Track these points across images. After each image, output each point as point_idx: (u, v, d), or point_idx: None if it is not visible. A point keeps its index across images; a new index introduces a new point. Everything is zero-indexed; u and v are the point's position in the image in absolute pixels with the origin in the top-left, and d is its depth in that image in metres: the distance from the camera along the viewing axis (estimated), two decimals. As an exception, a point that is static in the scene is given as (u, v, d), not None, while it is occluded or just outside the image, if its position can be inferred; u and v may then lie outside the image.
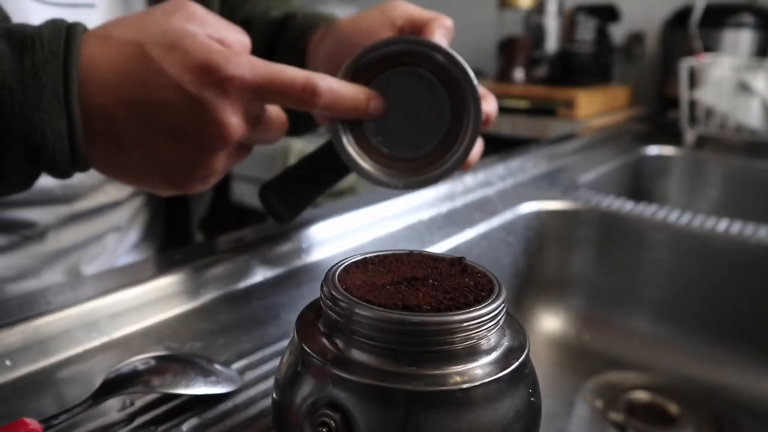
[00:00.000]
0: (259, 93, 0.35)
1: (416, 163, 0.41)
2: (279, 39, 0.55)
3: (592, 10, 1.49)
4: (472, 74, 0.38)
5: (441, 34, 0.42)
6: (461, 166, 0.40)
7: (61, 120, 0.33)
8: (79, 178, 0.52)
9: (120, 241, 0.61)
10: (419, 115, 0.40)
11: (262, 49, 0.55)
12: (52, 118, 0.33)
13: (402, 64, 0.40)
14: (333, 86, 0.37)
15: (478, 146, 0.45)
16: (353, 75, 0.40)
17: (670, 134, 1.13)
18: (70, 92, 0.33)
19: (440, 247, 0.55)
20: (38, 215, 0.53)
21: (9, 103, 0.32)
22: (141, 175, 0.38)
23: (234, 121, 0.35)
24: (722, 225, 0.60)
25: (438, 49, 0.39)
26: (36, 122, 0.33)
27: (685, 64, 1.06)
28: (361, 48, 0.39)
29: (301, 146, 1.65)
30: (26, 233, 0.53)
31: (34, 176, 0.37)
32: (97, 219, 0.58)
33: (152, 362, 0.31)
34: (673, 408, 0.55)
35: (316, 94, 0.36)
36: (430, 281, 0.24)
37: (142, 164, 0.37)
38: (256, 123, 0.37)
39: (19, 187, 0.37)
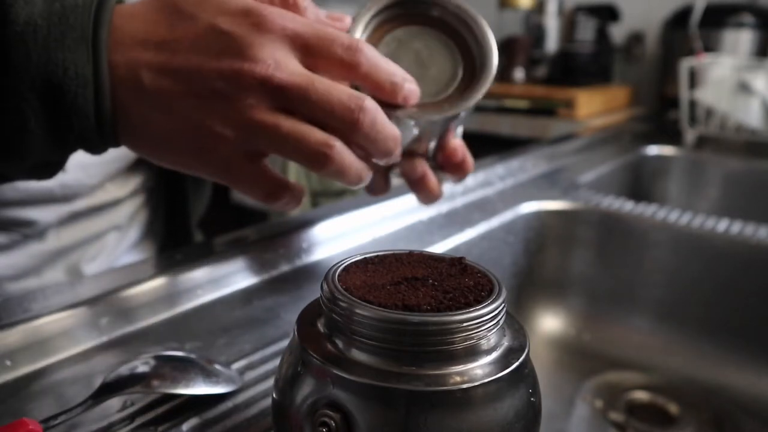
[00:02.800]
0: (302, 41, 0.32)
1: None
2: None
3: (592, 10, 1.49)
4: (490, 37, 0.38)
5: None
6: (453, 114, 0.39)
7: (87, 63, 0.31)
8: (78, 177, 0.53)
9: (120, 239, 0.61)
10: (428, 72, 0.39)
11: None
12: (77, 58, 0.31)
13: (413, 23, 0.39)
14: (373, 54, 0.34)
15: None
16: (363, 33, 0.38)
17: (670, 134, 1.13)
18: (99, 38, 0.31)
19: (440, 247, 0.55)
20: (38, 214, 0.53)
21: (33, 39, 0.30)
22: (170, 140, 0.34)
23: (273, 58, 0.31)
24: (722, 225, 0.60)
25: (450, 3, 0.38)
26: (59, 58, 0.30)
27: (685, 64, 1.06)
28: (368, 5, 0.38)
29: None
30: (27, 232, 0.53)
31: (58, 143, 0.33)
32: (98, 218, 0.58)
33: (152, 362, 0.31)
34: (673, 408, 0.55)
35: (360, 52, 0.32)
36: (430, 281, 0.24)
37: (167, 124, 0.33)
38: (303, 87, 0.31)
39: (42, 158, 0.34)
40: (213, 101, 0.32)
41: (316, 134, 0.32)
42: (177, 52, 0.31)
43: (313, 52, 0.32)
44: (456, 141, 0.43)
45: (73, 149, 0.35)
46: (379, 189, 0.47)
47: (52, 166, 0.37)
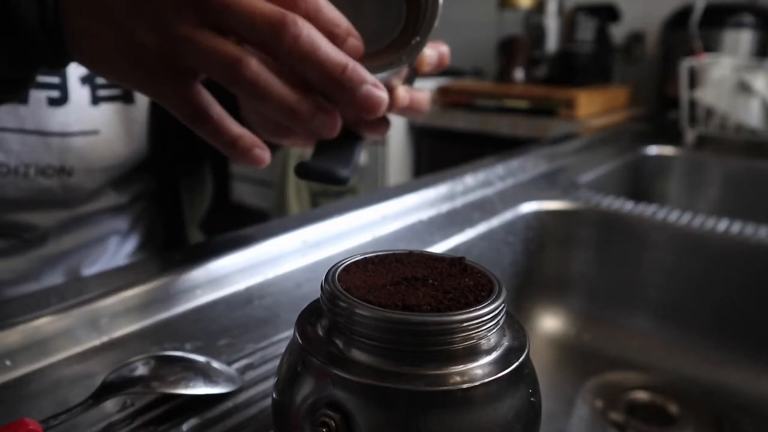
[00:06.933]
0: None
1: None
2: None
3: (592, 10, 1.49)
4: None
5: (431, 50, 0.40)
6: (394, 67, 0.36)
7: None
8: (81, 181, 0.53)
9: (121, 245, 0.61)
10: (368, 15, 0.37)
11: None
12: None
13: None
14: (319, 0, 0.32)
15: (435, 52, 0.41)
16: None
17: (670, 134, 1.13)
18: None
19: (440, 247, 0.55)
20: (39, 219, 0.53)
21: None
22: (106, 49, 0.34)
23: None
24: (722, 225, 0.60)
25: None
26: None
27: (685, 64, 1.06)
28: None
29: (299, 150, 1.65)
30: (27, 236, 0.53)
31: (12, 58, 0.34)
32: (98, 223, 0.58)
33: (152, 362, 0.31)
34: (673, 408, 0.55)
35: None
36: (430, 281, 0.24)
37: (103, 33, 0.33)
38: (226, 2, 0.30)
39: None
40: (143, 12, 0.32)
41: (228, 48, 0.31)
42: None
43: None
44: (400, 90, 0.39)
45: (30, 64, 0.36)
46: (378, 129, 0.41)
47: (16, 84, 0.37)
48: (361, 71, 0.32)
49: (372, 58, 0.36)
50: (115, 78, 0.36)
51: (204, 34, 0.31)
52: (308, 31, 0.31)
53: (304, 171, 0.39)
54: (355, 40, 0.34)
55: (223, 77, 0.32)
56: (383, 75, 0.36)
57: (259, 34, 0.31)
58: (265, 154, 0.37)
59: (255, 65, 0.31)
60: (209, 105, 0.35)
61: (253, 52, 0.32)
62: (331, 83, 0.32)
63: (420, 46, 0.36)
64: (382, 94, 0.33)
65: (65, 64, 0.36)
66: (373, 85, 0.33)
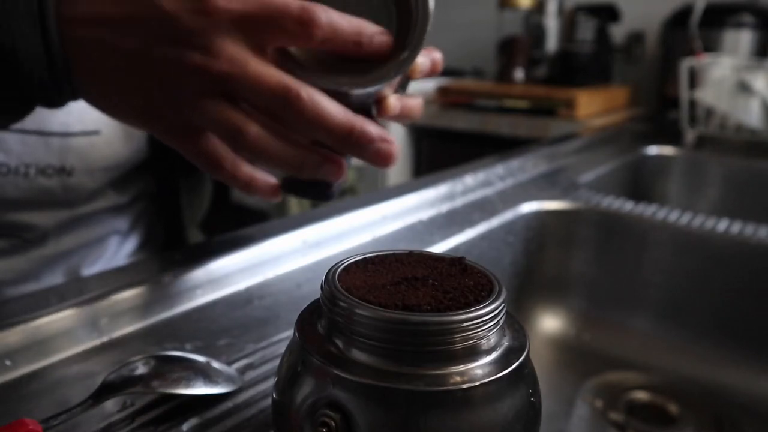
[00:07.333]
0: (248, 22, 0.31)
1: (355, 69, 0.36)
2: None
3: (592, 10, 1.49)
4: None
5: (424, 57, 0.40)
6: (388, 79, 0.36)
7: (39, 44, 0.32)
8: (82, 181, 0.53)
9: (121, 245, 0.61)
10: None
11: None
12: (27, 35, 0.32)
13: None
14: (333, 18, 0.32)
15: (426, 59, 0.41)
16: None
17: (670, 134, 1.13)
18: (46, 16, 0.32)
19: (440, 247, 0.55)
20: (39, 218, 0.53)
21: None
22: (120, 105, 0.36)
23: (212, 45, 0.31)
24: (722, 225, 0.60)
25: None
26: (11, 35, 0.32)
27: (685, 64, 1.06)
28: None
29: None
30: (27, 236, 0.53)
31: (17, 102, 0.35)
32: (98, 223, 0.58)
33: (152, 362, 0.31)
34: (673, 408, 0.55)
35: (314, 24, 0.31)
36: (430, 281, 0.24)
37: (116, 93, 0.35)
38: (235, 76, 0.32)
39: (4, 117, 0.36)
40: (158, 79, 0.33)
41: (231, 117, 0.33)
42: (124, 32, 0.32)
43: (261, 30, 0.32)
44: (391, 99, 0.39)
45: (33, 108, 0.37)
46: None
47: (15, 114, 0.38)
48: (369, 130, 0.33)
49: (362, 72, 0.36)
50: (128, 124, 0.38)
51: (209, 103, 0.33)
52: (311, 101, 0.32)
53: (289, 186, 0.41)
54: (382, 36, 0.34)
55: (227, 143, 0.34)
56: (375, 87, 0.36)
57: (265, 105, 0.32)
58: (275, 192, 0.40)
59: (255, 133, 0.33)
60: (222, 157, 0.36)
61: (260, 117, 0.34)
62: (339, 145, 0.34)
63: (410, 59, 0.36)
64: (391, 148, 0.35)
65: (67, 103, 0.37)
66: (381, 140, 0.34)
